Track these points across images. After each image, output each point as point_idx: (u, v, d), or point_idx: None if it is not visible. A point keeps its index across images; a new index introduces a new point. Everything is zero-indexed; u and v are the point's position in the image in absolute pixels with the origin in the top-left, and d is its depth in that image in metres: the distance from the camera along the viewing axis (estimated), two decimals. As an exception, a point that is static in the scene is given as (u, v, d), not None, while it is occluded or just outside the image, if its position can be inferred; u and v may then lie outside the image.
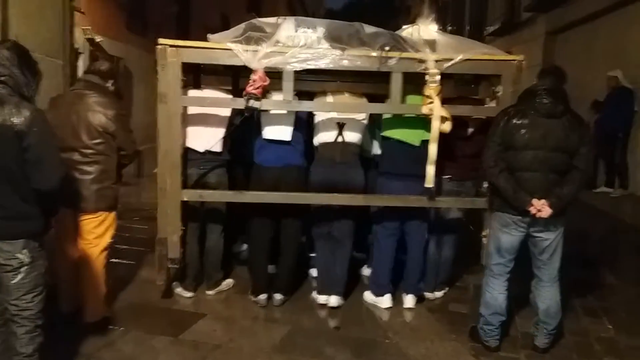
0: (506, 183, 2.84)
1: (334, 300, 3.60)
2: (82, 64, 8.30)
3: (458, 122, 3.33)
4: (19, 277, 2.12)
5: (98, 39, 8.79)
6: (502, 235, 2.97)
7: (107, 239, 3.15)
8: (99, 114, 2.97)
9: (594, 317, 3.62)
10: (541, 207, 2.76)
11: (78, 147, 2.96)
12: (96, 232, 3.07)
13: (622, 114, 6.75)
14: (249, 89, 3.09)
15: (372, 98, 3.63)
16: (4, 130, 2.03)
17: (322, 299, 3.65)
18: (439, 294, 3.87)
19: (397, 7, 29.46)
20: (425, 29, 3.63)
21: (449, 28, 13.85)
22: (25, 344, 2.19)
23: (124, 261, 4.19)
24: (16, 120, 2.04)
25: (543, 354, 3.07)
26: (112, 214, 3.15)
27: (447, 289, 3.95)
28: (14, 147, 2.05)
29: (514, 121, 2.82)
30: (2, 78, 2.08)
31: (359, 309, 3.67)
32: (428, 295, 3.83)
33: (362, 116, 3.58)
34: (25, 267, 2.13)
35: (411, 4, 23.33)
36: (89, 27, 8.42)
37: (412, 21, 3.99)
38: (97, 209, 3.04)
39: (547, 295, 3.01)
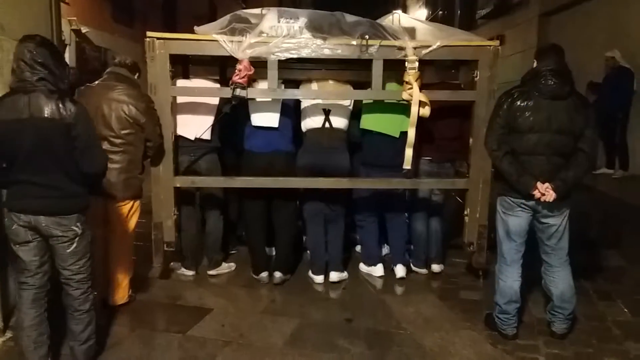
0: (510, 167, 2.87)
1: (334, 276, 3.90)
2: (68, 56, 8.53)
3: (437, 106, 3.60)
4: (74, 246, 2.53)
5: (84, 30, 9.01)
6: (509, 218, 3.01)
7: (132, 225, 3.45)
8: (130, 106, 3.23)
9: (607, 300, 3.63)
10: (545, 191, 2.80)
11: (108, 136, 3.22)
12: (123, 219, 3.37)
13: (621, 94, 6.80)
14: (235, 78, 3.36)
15: (357, 85, 3.88)
16: (55, 123, 2.38)
17: (317, 278, 3.95)
18: (437, 267, 4.14)
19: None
20: (405, 18, 3.91)
21: (440, 13, 14.03)
22: (82, 302, 2.61)
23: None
24: (64, 113, 2.38)
25: (562, 340, 3.07)
26: (137, 202, 3.44)
27: (442, 264, 4.19)
28: (65, 138, 2.41)
29: (518, 103, 2.84)
30: (42, 75, 2.37)
31: (368, 297, 3.75)
32: (420, 270, 4.13)
33: (347, 102, 3.85)
34: (78, 237, 2.54)
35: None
36: (75, 18, 8.64)
37: (401, 7, 4.21)
38: (125, 197, 3.32)
39: (559, 279, 3.02)
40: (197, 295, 3.73)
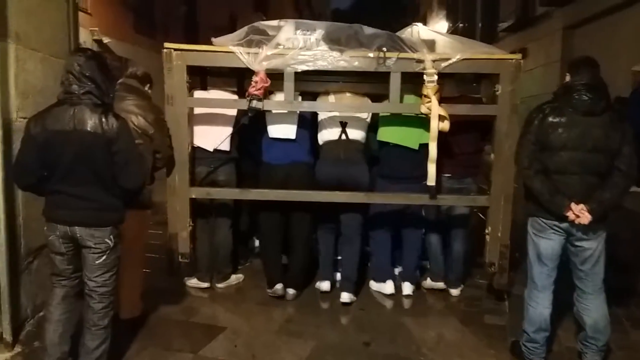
0: (542, 186, 2.75)
1: (345, 296, 3.82)
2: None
3: (458, 120, 3.55)
4: (103, 258, 2.55)
5: (106, 40, 9.18)
6: (541, 241, 2.87)
7: (143, 237, 3.44)
8: (139, 117, 3.24)
9: (641, 328, 3.45)
10: (580, 213, 2.66)
11: None
12: (132, 231, 3.29)
13: (650, 110, 6.68)
14: (251, 90, 3.36)
15: (375, 98, 3.85)
16: (96, 137, 2.42)
17: (323, 286, 3.92)
18: (455, 291, 4.04)
19: (405, 5, 29.54)
20: (425, 30, 3.86)
21: (460, 25, 13.95)
22: (101, 317, 2.60)
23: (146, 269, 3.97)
24: (107, 127, 2.43)
25: None
26: (147, 213, 3.45)
27: (462, 286, 4.11)
28: (104, 152, 2.45)
29: (550, 119, 2.73)
30: (89, 88, 2.44)
31: (386, 320, 3.64)
32: (437, 284, 4.04)
33: (364, 115, 3.82)
34: (110, 250, 2.56)
35: (420, 2, 23.40)
36: (97, 29, 8.82)
37: (421, 19, 4.19)
38: (133, 208, 3.24)
39: (593, 308, 2.85)
40: (211, 311, 3.68)
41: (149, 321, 3.46)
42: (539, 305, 2.91)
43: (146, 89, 3.45)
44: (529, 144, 2.80)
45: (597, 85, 2.70)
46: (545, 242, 2.85)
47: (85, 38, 8.72)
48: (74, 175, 2.45)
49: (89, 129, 2.41)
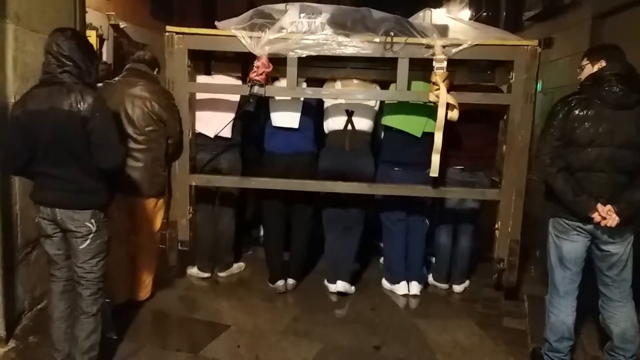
0: (565, 185, 2.57)
1: (340, 285, 3.75)
2: (105, 51, 8.74)
3: (470, 109, 3.42)
4: (86, 243, 2.51)
5: (122, 25, 9.21)
6: (563, 243, 2.69)
7: (158, 223, 3.47)
8: (153, 102, 3.24)
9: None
10: (607, 215, 2.49)
11: (133, 133, 3.23)
12: (148, 217, 3.38)
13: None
14: (252, 75, 3.29)
15: (384, 85, 3.73)
16: (71, 116, 2.37)
17: (332, 287, 3.82)
18: (458, 287, 3.94)
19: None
20: (438, 14, 3.72)
21: (484, 14, 13.59)
22: (90, 304, 2.57)
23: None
24: (81, 106, 2.37)
25: None
26: (162, 200, 3.46)
27: (467, 282, 4.01)
28: (80, 131, 2.39)
29: (576, 112, 2.54)
30: (67, 68, 2.38)
31: (399, 321, 3.48)
32: (441, 285, 3.95)
33: (372, 102, 3.71)
34: (92, 235, 2.50)
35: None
36: (113, 13, 8.85)
37: (444, 6, 4.06)
38: (150, 195, 3.34)
39: (621, 316, 2.68)
40: (215, 307, 3.58)
41: (151, 316, 3.39)
42: (562, 312, 2.73)
43: (155, 73, 3.43)
44: (553, 140, 2.61)
45: (629, 76, 2.51)
46: (569, 245, 2.68)
47: (102, 22, 8.77)
48: (53, 156, 2.42)
49: (64, 107, 2.36)
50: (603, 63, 2.58)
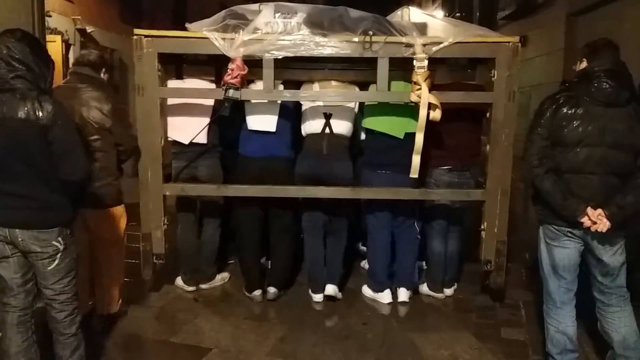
0: (553, 187, 2.48)
1: (330, 289, 3.67)
2: (72, 57, 8.51)
3: (454, 108, 3.37)
4: (55, 263, 2.34)
5: (89, 29, 8.99)
6: (555, 250, 2.59)
7: (117, 233, 3.27)
8: (94, 110, 3.02)
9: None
10: (597, 219, 2.40)
11: None
12: (105, 228, 3.19)
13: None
14: (227, 78, 3.18)
15: (364, 86, 3.66)
16: (29, 125, 2.18)
17: (316, 297, 3.73)
18: (448, 291, 3.88)
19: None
20: (416, 12, 3.68)
21: (457, 14, 13.71)
22: (68, 325, 2.43)
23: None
24: (40, 114, 2.18)
25: None
26: (118, 208, 3.25)
27: (455, 285, 3.95)
28: (40, 142, 2.21)
29: (564, 111, 2.45)
30: (20, 72, 2.19)
31: (393, 336, 3.32)
32: (437, 295, 3.86)
33: (351, 104, 3.64)
34: (60, 254, 2.35)
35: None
36: (79, 17, 8.63)
37: (417, 7, 4.01)
38: (101, 206, 3.14)
39: (619, 322, 2.59)
40: (195, 329, 3.36)
41: (121, 338, 3.20)
42: (561, 323, 2.62)
43: (102, 75, 3.20)
44: (540, 139, 2.52)
45: (620, 72, 2.43)
46: (561, 252, 2.58)
47: (68, 27, 8.54)
48: (7, 170, 2.22)
49: (20, 116, 2.16)
50: (593, 59, 2.50)
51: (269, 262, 3.96)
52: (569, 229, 2.53)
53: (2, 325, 2.41)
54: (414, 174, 3.27)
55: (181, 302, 3.75)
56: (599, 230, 2.41)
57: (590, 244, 2.53)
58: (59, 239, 2.33)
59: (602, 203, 2.43)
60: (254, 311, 3.63)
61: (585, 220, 2.43)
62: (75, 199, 2.45)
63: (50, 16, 7.81)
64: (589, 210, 2.42)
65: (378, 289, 3.77)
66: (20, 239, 2.27)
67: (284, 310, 3.66)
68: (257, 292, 3.70)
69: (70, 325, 2.43)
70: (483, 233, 3.57)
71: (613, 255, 2.52)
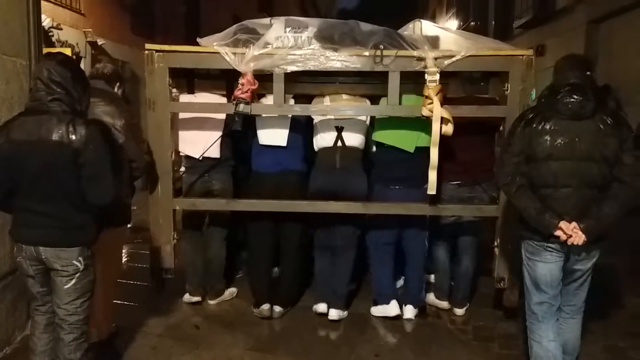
0: (527, 203, 2.56)
1: (333, 313, 3.69)
2: (83, 69, 8.69)
3: (466, 122, 3.41)
4: (72, 282, 2.42)
5: (100, 42, 9.18)
6: (537, 265, 2.65)
7: (118, 253, 3.30)
8: (107, 125, 3.03)
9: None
10: (572, 232, 2.46)
11: None
12: (107, 246, 3.12)
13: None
14: (237, 93, 3.26)
15: (375, 99, 3.72)
16: (62, 148, 2.29)
17: (320, 307, 3.76)
18: (459, 311, 3.88)
19: (415, 4, 29.42)
20: (428, 25, 3.74)
21: (472, 24, 13.79)
22: (73, 350, 2.47)
23: (118, 301, 3.63)
24: (73, 137, 2.29)
25: None
26: (122, 228, 3.28)
27: (467, 305, 3.93)
28: (71, 165, 2.32)
29: (533, 126, 2.54)
30: (58, 96, 2.31)
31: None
32: (442, 304, 3.89)
33: (363, 117, 3.70)
34: (79, 274, 2.43)
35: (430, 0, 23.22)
36: (90, 30, 8.82)
37: (430, 18, 4.06)
38: (108, 224, 3.07)
39: (566, 327, 2.74)
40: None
41: None
42: (543, 338, 2.67)
43: (115, 89, 3.25)
44: (511, 157, 2.62)
45: (583, 85, 2.51)
46: (542, 267, 2.64)
47: (79, 40, 8.75)
48: (38, 190, 2.33)
49: (54, 138, 2.27)
50: (557, 74, 2.62)
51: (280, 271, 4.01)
52: (548, 244, 2.59)
53: (32, 325, 2.56)
54: (432, 190, 3.26)
55: (181, 330, 3.63)
56: (575, 243, 2.47)
57: (568, 256, 2.61)
58: (80, 258, 2.42)
59: (578, 216, 2.49)
60: (259, 339, 3.51)
61: (560, 234, 2.49)
62: (99, 220, 2.54)
63: (61, 29, 8.04)
64: (563, 224, 2.49)
65: (384, 301, 3.78)
66: (44, 257, 2.38)
67: (290, 340, 3.51)
68: (265, 307, 3.72)
69: (75, 350, 2.48)
70: (496, 250, 3.59)
71: (586, 264, 2.63)
